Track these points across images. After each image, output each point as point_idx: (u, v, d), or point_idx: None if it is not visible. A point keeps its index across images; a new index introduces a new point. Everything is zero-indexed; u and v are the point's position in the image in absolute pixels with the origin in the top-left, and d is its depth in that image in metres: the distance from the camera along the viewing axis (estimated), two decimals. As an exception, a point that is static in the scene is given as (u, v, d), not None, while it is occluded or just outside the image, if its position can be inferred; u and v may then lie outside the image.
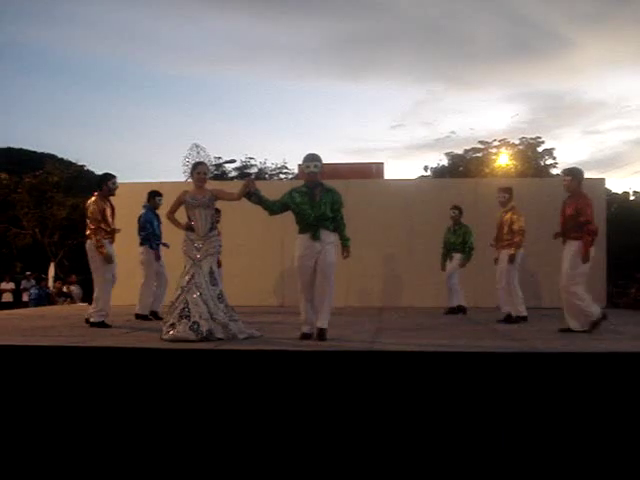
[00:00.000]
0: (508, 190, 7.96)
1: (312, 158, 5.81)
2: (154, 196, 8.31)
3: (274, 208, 5.94)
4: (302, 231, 5.79)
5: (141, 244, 8.14)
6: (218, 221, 9.00)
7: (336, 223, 5.83)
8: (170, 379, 4.73)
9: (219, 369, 4.81)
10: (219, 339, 5.65)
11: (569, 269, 6.41)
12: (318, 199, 5.75)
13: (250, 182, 5.97)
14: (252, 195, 5.85)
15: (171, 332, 5.62)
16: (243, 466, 4.47)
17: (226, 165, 29.28)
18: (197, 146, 6.23)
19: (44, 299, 16.50)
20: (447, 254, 9.37)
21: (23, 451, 4.64)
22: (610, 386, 4.49)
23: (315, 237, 5.69)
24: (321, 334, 5.64)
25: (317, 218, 5.71)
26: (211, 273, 5.82)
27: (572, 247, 6.44)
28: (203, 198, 5.92)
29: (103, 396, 4.69)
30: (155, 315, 8.13)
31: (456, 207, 9.36)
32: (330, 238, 5.77)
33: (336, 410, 4.51)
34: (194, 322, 5.61)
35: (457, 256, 9.27)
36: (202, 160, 6.18)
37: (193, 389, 4.66)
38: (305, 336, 5.76)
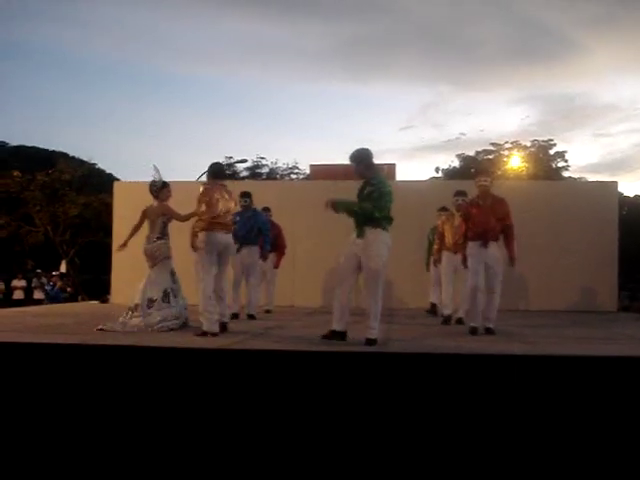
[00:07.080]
0: (466, 193, 7.92)
1: (351, 157, 5.67)
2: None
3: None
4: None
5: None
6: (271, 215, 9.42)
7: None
8: (182, 378, 4.75)
9: (228, 369, 4.82)
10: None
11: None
12: (361, 197, 5.59)
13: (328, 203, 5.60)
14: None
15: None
16: (252, 468, 4.48)
17: (237, 165, 29.32)
18: (153, 168, 6.46)
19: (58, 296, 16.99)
20: None
21: (30, 449, 4.67)
22: (622, 390, 4.47)
23: (359, 235, 5.51)
24: (368, 344, 5.38)
25: (357, 216, 5.54)
26: None
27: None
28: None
29: (112, 395, 4.71)
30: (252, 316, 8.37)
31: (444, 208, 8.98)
32: (376, 238, 5.47)
33: (346, 411, 4.52)
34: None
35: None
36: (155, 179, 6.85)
37: (203, 389, 4.68)
38: (334, 334, 5.48)
